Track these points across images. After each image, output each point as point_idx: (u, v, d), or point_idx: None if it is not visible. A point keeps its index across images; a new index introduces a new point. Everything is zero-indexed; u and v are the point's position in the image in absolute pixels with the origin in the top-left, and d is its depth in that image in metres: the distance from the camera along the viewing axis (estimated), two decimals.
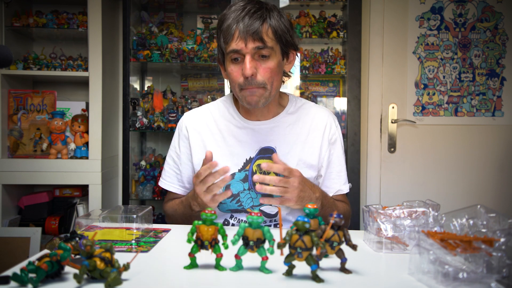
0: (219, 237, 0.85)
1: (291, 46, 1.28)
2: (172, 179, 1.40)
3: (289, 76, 1.38)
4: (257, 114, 1.34)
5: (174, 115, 2.47)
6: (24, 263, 0.79)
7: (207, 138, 1.35)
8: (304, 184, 1.19)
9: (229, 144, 1.34)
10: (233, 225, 1.34)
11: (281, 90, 1.41)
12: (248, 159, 1.32)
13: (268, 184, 1.15)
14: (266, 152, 1.32)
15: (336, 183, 1.38)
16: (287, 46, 1.27)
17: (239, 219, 1.33)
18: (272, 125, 1.35)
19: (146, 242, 1.06)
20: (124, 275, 0.79)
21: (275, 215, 1.31)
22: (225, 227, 1.14)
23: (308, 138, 1.35)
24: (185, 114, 1.43)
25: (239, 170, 1.31)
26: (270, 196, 1.20)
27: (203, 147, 1.35)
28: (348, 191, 1.42)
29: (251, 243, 0.81)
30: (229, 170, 1.15)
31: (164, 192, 2.52)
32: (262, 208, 1.31)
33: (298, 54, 1.35)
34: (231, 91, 1.42)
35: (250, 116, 1.35)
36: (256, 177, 1.14)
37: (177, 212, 1.35)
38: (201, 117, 1.39)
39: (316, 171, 1.36)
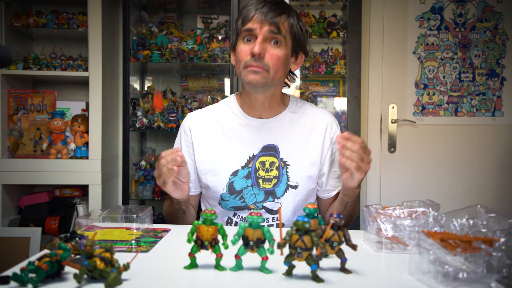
0: (219, 237, 0.85)
1: (302, 47, 1.33)
2: None
3: (293, 80, 1.42)
4: (259, 111, 1.36)
5: (174, 115, 2.47)
6: (24, 263, 0.79)
7: (210, 138, 1.37)
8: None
9: (232, 141, 1.35)
10: (236, 223, 1.35)
11: (282, 91, 1.42)
12: (251, 156, 1.33)
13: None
14: (269, 150, 1.34)
15: (340, 182, 1.39)
16: (299, 45, 1.32)
17: (242, 217, 1.35)
18: (275, 123, 1.36)
19: (146, 242, 1.06)
20: (124, 275, 0.79)
21: (277, 211, 1.32)
22: (225, 227, 1.14)
23: (310, 136, 1.37)
24: (188, 114, 1.45)
25: (242, 167, 1.33)
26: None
27: (205, 147, 1.36)
28: None
29: (251, 243, 0.81)
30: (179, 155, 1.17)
31: (165, 192, 2.52)
32: (264, 204, 1.33)
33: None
34: (236, 92, 1.43)
35: (253, 113, 1.36)
36: (340, 139, 1.15)
37: (167, 210, 1.39)
38: (205, 118, 1.40)
39: (318, 169, 1.37)
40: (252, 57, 1.23)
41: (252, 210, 1.20)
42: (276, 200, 1.33)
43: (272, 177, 1.32)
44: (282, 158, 1.34)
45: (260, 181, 1.32)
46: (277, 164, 1.33)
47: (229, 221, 1.36)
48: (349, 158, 1.15)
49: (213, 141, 1.36)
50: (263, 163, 1.33)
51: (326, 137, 1.37)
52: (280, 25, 1.24)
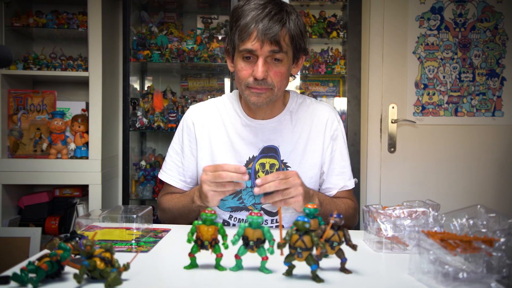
0: (219, 237, 0.85)
1: (302, 51, 1.28)
2: (173, 172, 1.39)
3: (294, 77, 1.38)
4: (261, 112, 1.34)
5: (174, 115, 2.47)
6: (24, 263, 0.79)
7: (213, 133, 1.35)
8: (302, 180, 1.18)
9: (233, 141, 1.34)
10: (233, 225, 1.34)
11: None
12: (251, 157, 1.32)
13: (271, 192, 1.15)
14: (269, 151, 1.32)
15: (340, 180, 1.36)
16: (299, 51, 1.27)
17: (238, 219, 1.33)
18: (275, 124, 1.34)
19: (146, 242, 1.06)
20: (124, 275, 0.79)
21: (277, 213, 1.31)
22: (225, 227, 1.14)
23: (310, 135, 1.35)
24: (190, 107, 1.42)
25: None
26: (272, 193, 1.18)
27: (208, 142, 1.35)
28: (354, 186, 1.39)
29: (251, 243, 0.81)
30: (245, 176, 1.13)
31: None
32: (263, 206, 1.32)
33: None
34: (237, 89, 1.42)
35: (254, 114, 1.35)
36: (257, 189, 1.13)
37: (176, 206, 1.33)
38: (207, 111, 1.39)
39: (320, 169, 1.36)
40: (255, 80, 1.19)
41: (251, 210, 1.20)
42: None
43: None
44: (283, 160, 1.32)
45: None
46: (277, 166, 1.32)
47: (225, 224, 1.34)
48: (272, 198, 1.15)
49: (214, 139, 1.35)
50: (263, 165, 1.32)
51: (326, 134, 1.35)
52: (281, 41, 1.17)
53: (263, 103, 1.24)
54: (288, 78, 1.29)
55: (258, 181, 1.13)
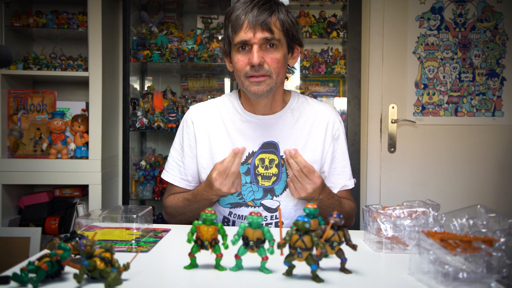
0: (219, 237, 0.85)
1: (296, 41, 1.32)
2: (174, 172, 1.40)
3: (292, 72, 1.41)
4: (261, 108, 1.35)
5: (174, 115, 2.47)
6: (24, 263, 0.79)
7: (212, 131, 1.37)
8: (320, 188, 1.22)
9: (232, 137, 1.35)
10: (233, 222, 1.34)
11: (284, 88, 1.42)
12: (250, 152, 1.33)
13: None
14: (269, 147, 1.34)
15: (341, 179, 1.39)
16: (293, 40, 1.31)
17: (238, 215, 1.34)
18: (275, 120, 1.36)
19: (146, 242, 1.06)
20: (124, 275, 0.79)
21: (276, 209, 1.32)
22: (225, 227, 1.14)
23: (311, 133, 1.36)
24: (191, 107, 1.44)
25: (242, 164, 1.32)
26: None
27: (207, 140, 1.36)
28: (353, 186, 1.42)
29: (251, 243, 0.82)
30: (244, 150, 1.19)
31: (164, 192, 2.52)
32: (263, 202, 1.32)
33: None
34: (237, 89, 1.43)
35: (255, 110, 1.36)
36: (287, 151, 1.19)
37: (178, 208, 1.35)
38: (207, 111, 1.40)
39: (320, 166, 1.37)
40: (252, 67, 1.23)
41: (252, 210, 1.20)
42: (274, 198, 1.32)
43: (271, 174, 1.32)
44: (282, 156, 1.33)
45: (259, 178, 1.32)
46: (276, 162, 1.33)
47: (226, 220, 1.35)
48: (291, 178, 1.22)
49: (214, 136, 1.36)
50: (262, 160, 1.33)
51: (327, 133, 1.37)
52: (272, 27, 1.23)
53: (263, 91, 1.26)
54: (286, 68, 1.32)
55: (291, 151, 1.18)
